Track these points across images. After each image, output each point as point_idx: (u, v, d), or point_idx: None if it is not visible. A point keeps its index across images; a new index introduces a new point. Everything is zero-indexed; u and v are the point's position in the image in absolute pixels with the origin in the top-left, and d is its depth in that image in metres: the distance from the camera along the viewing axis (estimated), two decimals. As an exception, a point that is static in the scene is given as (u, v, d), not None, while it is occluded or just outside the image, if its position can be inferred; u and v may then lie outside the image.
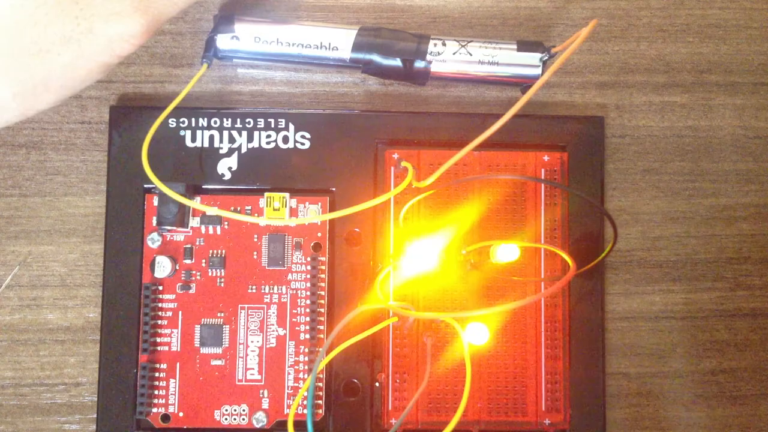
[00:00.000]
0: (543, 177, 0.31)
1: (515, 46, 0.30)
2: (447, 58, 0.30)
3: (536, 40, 0.31)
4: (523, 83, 0.31)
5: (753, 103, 0.33)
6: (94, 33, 0.25)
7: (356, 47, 0.30)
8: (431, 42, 0.30)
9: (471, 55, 0.30)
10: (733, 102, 0.33)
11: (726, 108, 0.33)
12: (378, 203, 0.28)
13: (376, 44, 0.30)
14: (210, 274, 0.30)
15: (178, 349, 0.30)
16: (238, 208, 0.31)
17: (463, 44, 0.29)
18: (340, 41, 0.30)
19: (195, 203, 0.29)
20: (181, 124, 0.31)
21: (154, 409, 0.30)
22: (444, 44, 0.30)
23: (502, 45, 0.30)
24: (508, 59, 0.30)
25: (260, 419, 0.30)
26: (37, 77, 0.25)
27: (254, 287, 0.30)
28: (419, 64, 0.30)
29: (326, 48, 0.30)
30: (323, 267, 0.30)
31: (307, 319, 0.30)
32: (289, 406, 0.30)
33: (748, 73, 0.33)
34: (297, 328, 0.30)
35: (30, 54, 0.24)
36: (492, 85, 0.32)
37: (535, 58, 0.30)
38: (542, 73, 0.30)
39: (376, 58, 0.30)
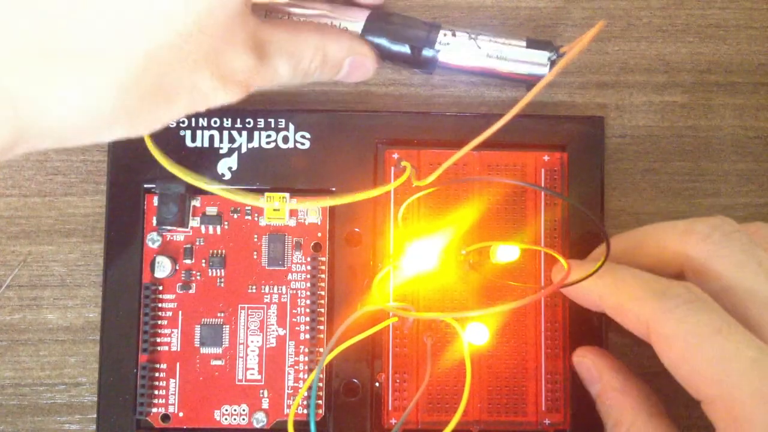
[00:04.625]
0: (543, 177, 0.31)
1: (524, 43, 0.30)
2: (456, 48, 0.30)
3: (546, 38, 0.31)
4: (529, 80, 0.30)
5: (753, 103, 0.33)
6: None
7: (366, 30, 0.29)
8: (441, 32, 0.30)
9: (480, 48, 0.29)
10: (733, 102, 0.33)
11: (726, 108, 0.33)
12: (377, 195, 0.28)
13: (386, 29, 0.30)
14: (210, 274, 0.30)
15: (178, 349, 0.30)
16: (238, 208, 0.31)
17: (473, 37, 0.29)
18: (350, 23, 0.29)
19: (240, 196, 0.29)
20: (181, 124, 0.31)
21: (154, 409, 0.30)
22: (454, 35, 0.29)
23: (512, 41, 0.30)
24: (516, 56, 0.30)
25: (260, 419, 0.30)
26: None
27: (254, 287, 0.30)
28: (427, 52, 0.30)
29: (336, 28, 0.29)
30: (323, 267, 0.30)
31: (307, 319, 0.30)
32: (289, 406, 0.30)
33: (748, 73, 0.33)
34: (297, 328, 0.30)
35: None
36: (498, 81, 0.32)
37: (543, 56, 0.30)
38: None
39: (385, 42, 0.29)
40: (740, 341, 0.22)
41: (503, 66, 0.30)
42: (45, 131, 0.21)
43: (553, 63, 0.30)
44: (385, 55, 0.30)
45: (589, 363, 0.28)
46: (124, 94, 0.21)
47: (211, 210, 0.31)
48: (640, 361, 0.32)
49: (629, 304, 0.25)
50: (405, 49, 0.30)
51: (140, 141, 0.30)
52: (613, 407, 0.27)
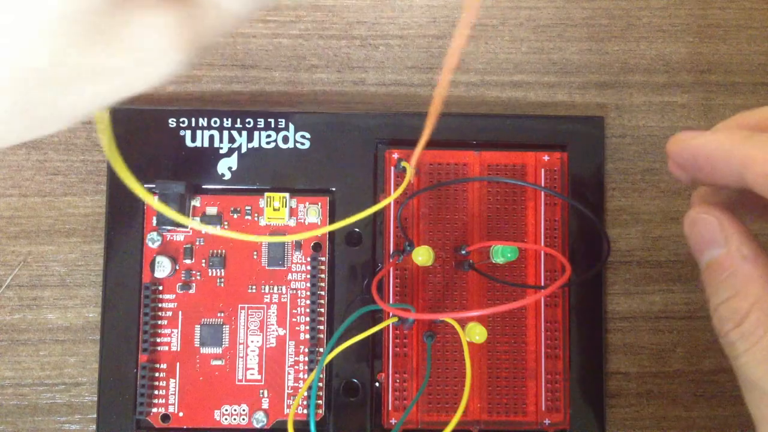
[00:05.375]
0: (543, 177, 0.31)
1: None
2: None
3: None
4: None
5: (753, 103, 0.33)
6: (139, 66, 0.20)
7: None
8: None
9: None
10: (733, 102, 0.33)
11: (726, 108, 0.33)
12: (380, 207, 0.28)
13: None
14: (210, 274, 0.30)
15: (178, 349, 0.30)
16: (238, 208, 0.31)
17: None
18: None
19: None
20: (181, 124, 0.31)
21: (154, 409, 0.30)
22: None
23: None
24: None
25: (260, 419, 0.30)
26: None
27: (254, 287, 0.30)
28: None
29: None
30: (323, 267, 0.30)
31: (307, 319, 0.30)
32: (289, 406, 0.30)
33: (748, 73, 0.33)
34: (297, 328, 0.30)
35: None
36: (498, 81, 0.32)
37: None
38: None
39: None
40: None
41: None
42: None
43: None
44: None
45: (714, 221, 0.23)
46: None
47: (211, 210, 0.31)
48: (640, 362, 0.32)
49: None
50: None
51: (140, 141, 0.30)
52: (737, 277, 0.22)
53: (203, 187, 0.31)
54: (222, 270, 0.30)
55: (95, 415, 0.30)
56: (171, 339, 0.30)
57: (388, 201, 0.29)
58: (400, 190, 0.28)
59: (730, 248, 0.23)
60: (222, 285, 0.30)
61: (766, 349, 0.21)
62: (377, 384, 0.30)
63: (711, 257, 0.23)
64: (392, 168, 0.31)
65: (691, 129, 0.23)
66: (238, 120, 0.31)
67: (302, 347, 0.30)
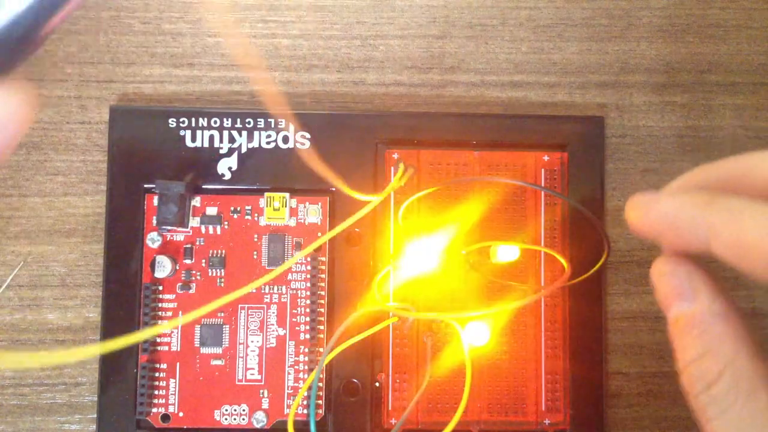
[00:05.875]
0: (543, 177, 0.31)
1: None
2: None
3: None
4: None
5: (753, 103, 0.33)
6: None
7: None
8: None
9: None
10: (733, 102, 0.33)
11: (726, 108, 0.33)
12: (377, 203, 0.28)
13: None
14: (210, 274, 0.30)
15: (178, 349, 0.30)
16: (238, 208, 0.31)
17: None
18: None
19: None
20: (181, 124, 0.31)
21: (154, 409, 0.30)
22: None
23: None
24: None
25: (260, 419, 0.30)
26: None
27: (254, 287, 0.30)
28: None
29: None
30: (323, 267, 0.30)
31: (307, 319, 0.30)
32: (289, 406, 0.30)
33: (748, 73, 0.33)
34: (297, 328, 0.30)
35: None
36: (498, 80, 0.32)
37: None
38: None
39: None
40: None
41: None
42: None
43: None
44: None
45: (683, 273, 0.22)
46: None
47: (211, 210, 0.31)
48: (640, 362, 0.32)
49: (760, 242, 0.19)
50: None
51: (140, 141, 0.30)
52: (708, 335, 0.21)
53: (203, 187, 0.31)
54: (222, 270, 0.30)
55: (95, 415, 0.30)
56: (171, 339, 0.30)
57: (387, 192, 0.29)
58: (394, 185, 0.28)
59: (701, 304, 0.22)
60: (222, 285, 0.30)
61: (738, 417, 0.20)
62: (377, 384, 0.30)
63: (679, 311, 0.22)
64: (392, 168, 0.31)
65: (644, 192, 0.22)
66: (238, 120, 0.31)
67: (302, 347, 0.30)
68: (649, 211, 0.22)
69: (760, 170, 0.22)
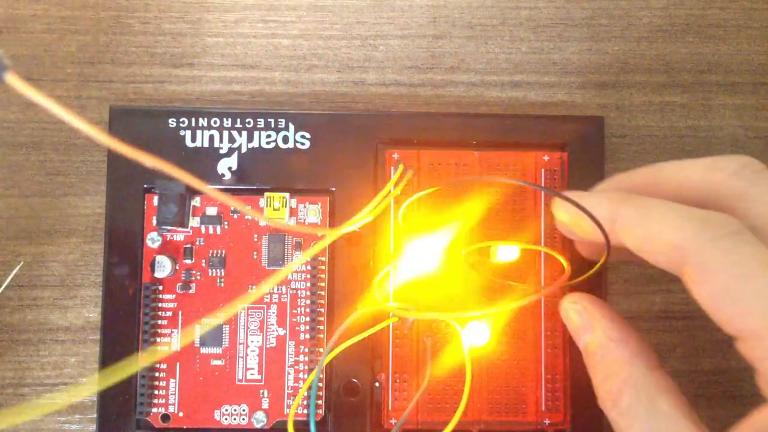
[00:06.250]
0: (543, 177, 0.31)
1: None
2: None
3: None
4: None
5: (753, 103, 0.33)
6: None
7: None
8: None
9: None
10: (733, 102, 0.33)
11: (726, 108, 0.33)
12: (380, 205, 0.28)
13: None
14: (210, 274, 0.30)
15: (178, 349, 0.30)
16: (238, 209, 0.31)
17: None
18: None
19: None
20: (181, 124, 0.31)
21: (154, 409, 0.30)
22: None
23: None
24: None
25: (260, 419, 0.30)
26: None
27: (254, 287, 0.30)
28: None
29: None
30: (323, 267, 0.30)
31: (307, 319, 0.30)
32: (289, 406, 0.30)
33: (748, 73, 0.33)
34: (297, 328, 0.30)
35: None
36: (498, 80, 0.32)
37: None
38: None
39: None
40: None
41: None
42: None
43: None
44: None
45: (581, 309, 0.26)
46: None
47: (211, 210, 0.31)
48: (640, 361, 0.32)
49: (663, 233, 0.22)
50: None
51: (140, 141, 0.30)
52: (607, 359, 0.24)
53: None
54: (222, 270, 0.30)
55: (95, 415, 0.30)
56: (171, 339, 0.30)
57: (386, 191, 0.29)
58: (392, 182, 0.28)
59: (598, 333, 0.25)
60: (222, 285, 0.30)
61: (645, 425, 0.23)
62: (377, 384, 0.30)
63: (585, 342, 0.26)
64: (392, 168, 0.31)
65: (570, 192, 0.25)
66: (238, 120, 0.31)
67: (302, 347, 0.30)
68: (571, 207, 0.24)
69: (668, 178, 0.25)
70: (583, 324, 0.26)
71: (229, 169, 0.31)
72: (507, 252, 0.29)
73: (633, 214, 0.23)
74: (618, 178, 0.27)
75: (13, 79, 0.18)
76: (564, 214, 0.26)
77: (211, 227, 0.30)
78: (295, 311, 0.30)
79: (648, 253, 0.23)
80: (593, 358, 0.25)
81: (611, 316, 0.26)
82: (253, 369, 0.30)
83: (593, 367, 0.25)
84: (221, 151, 0.31)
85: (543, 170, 0.31)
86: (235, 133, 0.31)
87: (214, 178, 0.30)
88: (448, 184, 0.30)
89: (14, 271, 0.31)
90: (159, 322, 0.30)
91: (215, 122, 0.31)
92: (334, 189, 0.31)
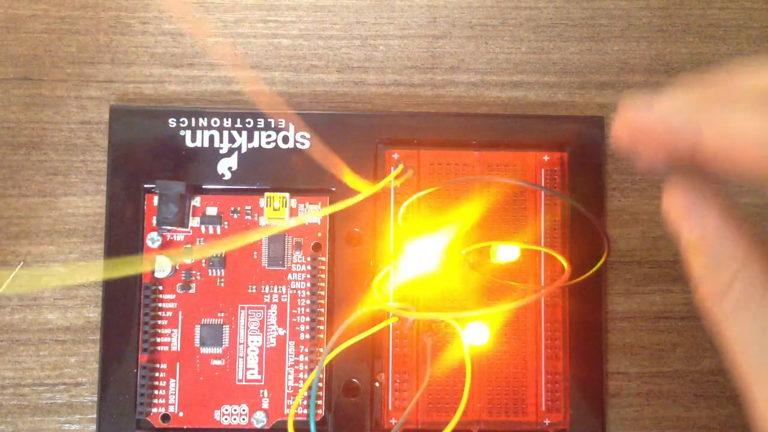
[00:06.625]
0: (543, 177, 0.31)
1: None
2: None
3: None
4: None
5: (753, 103, 0.33)
6: None
7: None
8: None
9: None
10: (733, 102, 0.33)
11: (726, 108, 0.33)
12: (374, 193, 0.28)
13: None
14: (210, 274, 0.30)
15: (178, 349, 0.30)
16: (238, 208, 0.31)
17: None
18: None
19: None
20: (181, 124, 0.31)
21: (154, 409, 0.30)
22: None
23: None
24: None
25: (260, 419, 0.30)
26: None
27: (254, 287, 0.30)
28: None
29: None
30: (323, 267, 0.30)
31: (307, 319, 0.30)
32: (289, 406, 0.30)
33: (748, 73, 0.33)
34: (297, 328, 0.30)
35: None
36: (498, 80, 0.32)
37: None
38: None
39: None
40: None
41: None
42: None
43: None
44: None
45: (692, 195, 0.23)
46: None
47: (211, 210, 0.31)
48: (640, 362, 0.32)
49: (747, 133, 0.19)
50: None
51: (140, 141, 0.30)
52: (717, 249, 0.22)
53: (203, 187, 0.31)
54: (222, 270, 0.30)
55: (95, 415, 0.30)
56: (171, 339, 0.30)
57: (383, 184, 0.29)
58: (390, 178, 0.28)
59: (710, 223, 0.22)
60: (222, 285, 0.30)
61: (752, 320, 0.21)
62: (377, 384, 0.30)
63: (690, 233, 0.23)
64: (392, 168, 0.31)
65: (635, 97, 0.22)
66: (238, 120, 0.31)
67: (302, 347, 0.30)
68: (642, 112, 0.22)
69: (745, 80, 0.21)
70: (692, 212, 0.23)
71: (229, 169, 0.31)
72: (507, 252, 0.29)
73: (712, 116, 0.20)
74: (688, 84, 0.23)
75: None
76: (631, 117, 0.23)
77: (211, 227, 0.30)
78: (295, 311, 0.30)
79: (728, 160, 0.20)
80: (700, 250, 0.22)
81: (725, 206, 0.22)
82: (253, 369, 0.30)
83: (698, 258, 0.22)
84: (221, 151, 0.31)
85: (543, 170, 0.31)
86: (235, 133, 0.31)
87: (214, 178, 0.30)
88: (448, 184, 0.30)
89: (14, 271, 0.31)
90: (159, 322, 0.30)
91: (215, 122, 0.31)
92: (334, 189, 0.31)
